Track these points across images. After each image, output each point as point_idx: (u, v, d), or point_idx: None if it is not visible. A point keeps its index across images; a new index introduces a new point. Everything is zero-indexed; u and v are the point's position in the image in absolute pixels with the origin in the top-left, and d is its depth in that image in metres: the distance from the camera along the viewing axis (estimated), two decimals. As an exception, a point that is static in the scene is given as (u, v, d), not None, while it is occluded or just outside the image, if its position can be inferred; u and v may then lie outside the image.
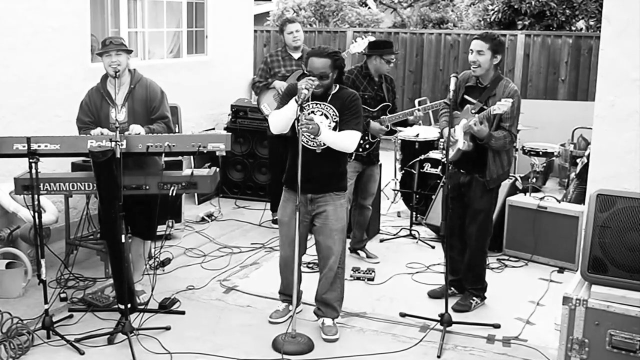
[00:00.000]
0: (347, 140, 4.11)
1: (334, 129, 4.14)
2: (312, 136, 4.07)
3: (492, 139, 4.43)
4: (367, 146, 5.40)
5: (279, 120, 4.12)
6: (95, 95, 4.65)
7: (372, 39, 5.85)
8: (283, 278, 4.50)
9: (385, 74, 5.48)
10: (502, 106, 4.27)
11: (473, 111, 4.51)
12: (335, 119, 4.15)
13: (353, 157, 5.37)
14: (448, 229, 4.59)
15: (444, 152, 4.66)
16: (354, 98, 4.19)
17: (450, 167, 4.74)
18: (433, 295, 4.95)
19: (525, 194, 6.03)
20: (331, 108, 4.16)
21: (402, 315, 4.61)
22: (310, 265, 5.37)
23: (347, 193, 5.35)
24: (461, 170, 4.71)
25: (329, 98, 4.17)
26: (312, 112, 4.10)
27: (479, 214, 4.66)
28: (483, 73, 4.52)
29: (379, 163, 5.69)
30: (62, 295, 4.77)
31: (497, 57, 4.48)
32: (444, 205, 4.45)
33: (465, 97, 4.64)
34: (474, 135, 4.46)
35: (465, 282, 4.87)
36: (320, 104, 4.17)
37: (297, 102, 3.95)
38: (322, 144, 4.12)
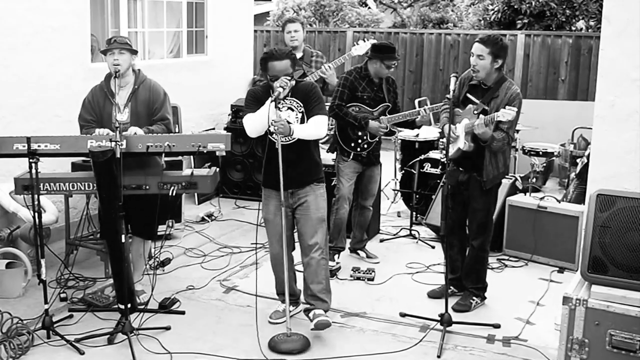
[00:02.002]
0: (317, 127, 4.28)
1: (302, 118, 4.29)
2: (286, 137, 4.20)
3: (494, 141, 4.44)
4: (365, 146, 5.39)
5: (256, 122, 4.21)
6: (98, 93, 4.65)
7: (374, 42, 5.86)
8: (276, 277, 4.53)
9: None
10: (506, 114, 4.28)
11: (475, 112, 4.52)
12: (300, 109, 4.30)
13: (351, 157, 5.38)
14: (447, 227, 4.59)
15: (445, 149, 4.67)
16: (313, 86, 4.42)
17: (449, 164, 4.75)
18: (433, 295, 4.95)
19: (525, 194, 6.03)
20: (294, 101, 4.31)
21: (402, 315, 4.61)
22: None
23: (347, 193, 5.39)
24: (460, 168, 4.72)
25: (290, 92, 4.30)
26: (279, 108, 4.21)
27: (479, 212, 4.67)
28: (484, 77, 4.51)
29: (379, 164, 5.69)
30: (62, 295, 4.77)
31: (497, 61, 4.45)
32: (443, 204, 4.45)
33: (468, 95, 4.63)
34: (475, 136, 4.47)
35: (465, 281, 4.87)
36: (285, 100, 4.29)
37: (272, 100, 4.08)
38: (287, 139, 4.24)
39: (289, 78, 4.18)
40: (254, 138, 4.35)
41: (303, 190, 4.32)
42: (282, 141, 4.17)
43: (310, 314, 4.37)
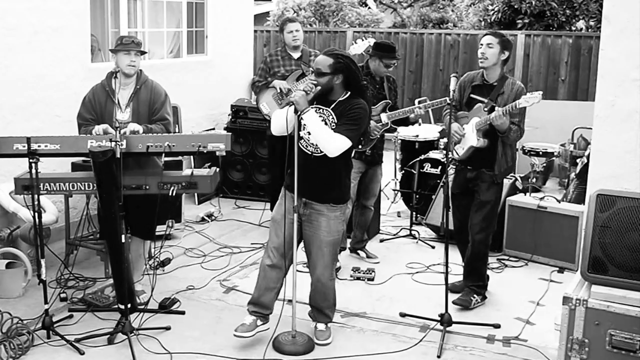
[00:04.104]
0: (333, 139, 3.90)
1: None
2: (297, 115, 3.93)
3: (510, 132, 4.52)
4: (364, 142, 5.38)
5: (278, 120, 4.08)
6: (100, 92, 4.65)
7: (373, 40, 5.85)
8: (259, 284, 4.21)
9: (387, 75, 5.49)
10: (530, 99, 4.35)
11: (485, 109, 4.59)
12: (332, 125, 3.99)
13: (353, 156, 5.34)
14: (457, 222, 4.72)
15: (452, 146, 4.73)
16: (356, 106, 3.99)
17: (457, 165, 4.83)
18: (453, 289, 4.86)
19: (525, 194, 6.03)
20: (331, 114, 4.01)
21: (402, 315, 4.61)
22: (306, 265, 5.35)
23: (351, 194, 5.36)
24: (468, 167, 4.75)
25: (334, 104, 4.04)
26: (298, 111, 3.93)
27: (485, 205, 4.70)
28: (489, 66, 4.60)
29: (382, 163, 5.69)
30: (62, 295, 4.77)
31: (504, 52, 4.60)
32: (444, 205, 4.48)
33: (473, 96, 4.70)
34: (487, 132, 4.54)
35: (466, 280, 4.88)
36: (321, 109, 4.05)
37: (289, 102, 3.94)
38: (314, 152, 4.02)
39: (315, 83, 3.94)
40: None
41: (317, 206, 4.06)
42: (312, 153, 4.02)
43: (313, 325, 4.36)
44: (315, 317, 4.36)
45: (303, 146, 4.05)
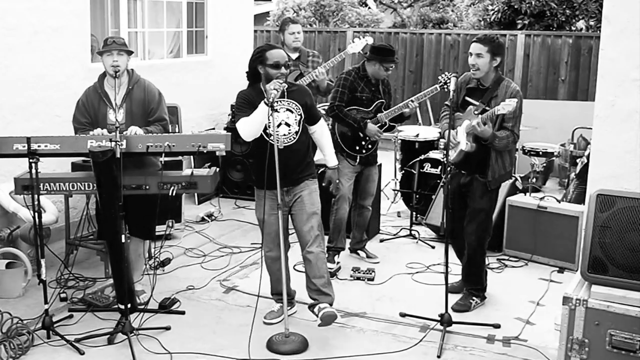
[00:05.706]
0: (328, 135, 4.58)
1: (300, 121, 4.31)
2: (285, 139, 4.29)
3: (495, 139, 4.44)
4: (370, 146, 5.40)
5: (252, 125, 4.21)
6: (92, 95, 4.63)
7: (371, 39, 5.85)
8: (272, 277, 4.53)
9: None
10: (506, 106, 4.30)
11: (476, 112, 4.52)
12: (299, 112, 4.31)
13: (347, 156, 5.37)
14: (449, 225, 4.63)
15: (445, 154, 4.68)
16: (302, 88, 4.56)
17: (451, 169, 4.76)
18: (452, 290, 4.82)
19: (525, 194, 6.03)
20: (293, 103, 4.31)
21: (402, 315, 4.61)
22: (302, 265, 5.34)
23: (347, 193, 5.39)
24: (462, 171, 4.72)
25: (286, 94, 4.29)
26: (276, 110, 4.16)
27: (479, 213, 4.67)
28: (482, 75, 4.52)
29: (378, 164, 5.69)
30: (62, 295, 4.77)
31: (496, 59, 4.47)
32: (444, 208, 4.46)
33: (467, 98, 4.64)
34: (477, 136, 4.47)
35: (464, 283, 4.87)
36: (282, 101, 4.28)
37: (267, 103, 4.03)
38: (285, 141, 4.26)
39: (281, 81, 4.14)
40: (255, 138, 4.31)
41: (298, 186, 4.35)
42: (284, 143, 4.21)
43: (315, 309, 4.35)
44: (316, 299, 4.37)
45: (273, 141, 4.14)
